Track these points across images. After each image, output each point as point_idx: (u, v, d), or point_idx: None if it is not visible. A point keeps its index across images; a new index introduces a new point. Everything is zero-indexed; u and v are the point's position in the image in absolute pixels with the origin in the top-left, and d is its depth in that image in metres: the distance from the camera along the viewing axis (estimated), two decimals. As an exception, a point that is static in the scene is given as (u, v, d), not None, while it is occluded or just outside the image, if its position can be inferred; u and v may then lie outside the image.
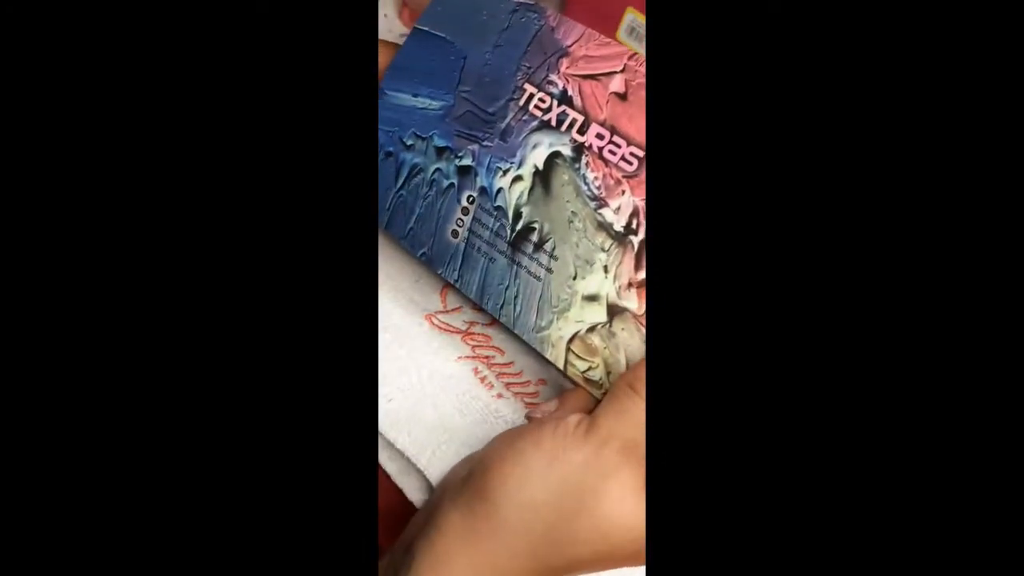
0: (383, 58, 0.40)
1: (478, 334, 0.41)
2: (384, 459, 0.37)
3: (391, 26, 0.49)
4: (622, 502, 0.28)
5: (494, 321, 0.41)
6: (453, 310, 0.41)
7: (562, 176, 0.35)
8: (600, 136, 0.34)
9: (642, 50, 0.44)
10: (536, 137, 0.35)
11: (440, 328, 0.40)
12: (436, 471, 0.36)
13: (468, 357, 0.40)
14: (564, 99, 0.35)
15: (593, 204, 0.34)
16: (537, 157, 0.35)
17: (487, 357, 0.40)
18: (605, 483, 0.29)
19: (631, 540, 0.29)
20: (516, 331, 0.35)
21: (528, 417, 0.36)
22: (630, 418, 0.30)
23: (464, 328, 0.41)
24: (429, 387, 0.39)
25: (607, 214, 0.33)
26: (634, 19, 0.43)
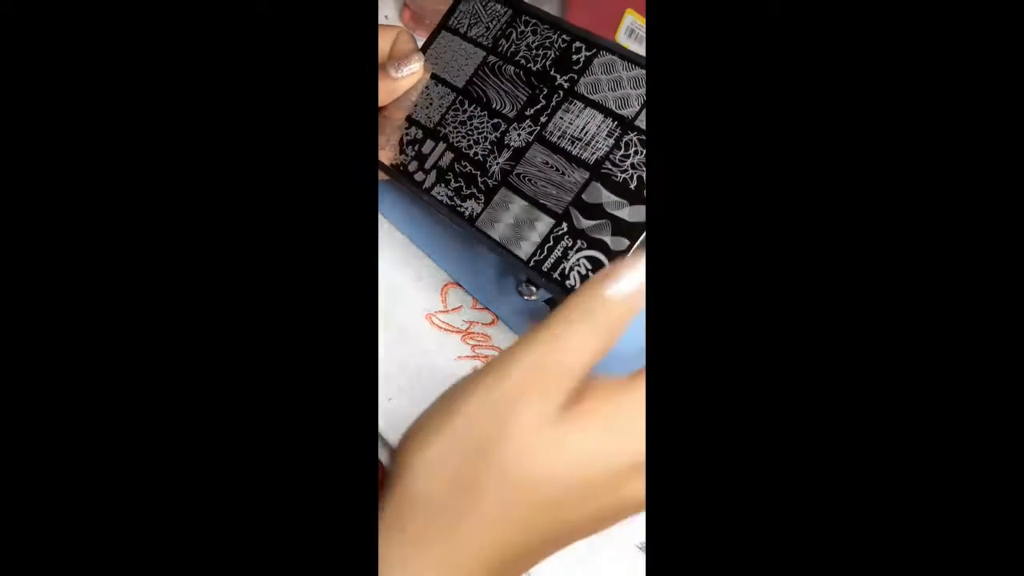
0: (383, 42, 0.40)
1: (478, 334, 0.41)
2: (385, 458, 0.38)
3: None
4: (522, 440, 0.23)
5: (494, 320, 0.41)
6: (453, 310, 0.41)
7: None
8: None
9: (642, 51, 0.44)
10: None
11: (440, 327, 0.40)
12: None
13: (468, 356, 0.40)
14: None
15: None
16: None
17: (486, 357, 0.40)
18: (503, 426, 0.24)
19: (543, 484, 0.23)
20: None
21: None
22: (539, 335, 0.25)
23: (464, 328, 0.41)
24: (429, 386, 0.39)
25: None
26: (633, 21, 0.43)
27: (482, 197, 0.37)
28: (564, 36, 0.38)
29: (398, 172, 0.40)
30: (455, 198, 0.38)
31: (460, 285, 0.42)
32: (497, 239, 0.36)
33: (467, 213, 0.37)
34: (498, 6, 0.40)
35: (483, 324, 0.41)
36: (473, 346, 0.40)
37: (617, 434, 0.24)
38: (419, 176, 0.39)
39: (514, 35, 0.39)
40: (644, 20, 0.43)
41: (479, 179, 0.38)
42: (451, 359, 0.40)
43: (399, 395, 0.38)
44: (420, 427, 0.26)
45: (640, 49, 0.44)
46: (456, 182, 0.38)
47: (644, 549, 0.36)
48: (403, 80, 0.40)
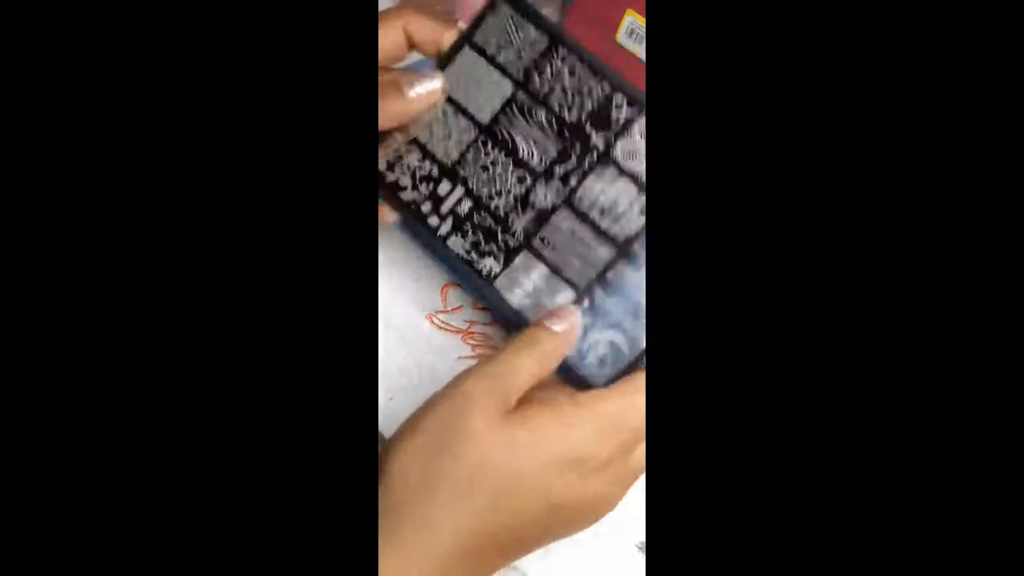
0: (393, 34, 0.36)
1: (478, 333, 0.41)
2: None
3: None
4: (475, 434, 0.27)
5: (494, 321, 0.41)
6: (454, 310, 0.41)
7: None
8: None
9: (642, 52, 0.44)
10: None
11: (440, 327, 0.40)
12: None
13: (468, 357, 0.40)
14: None
15: None
16: None
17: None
18: (459, 425, 0.27)
19: (498, 476, 0.26)
20: None
21: None
22: (493, 358, 0.29)
23: (464, 328, 0.41)
24: (429, 386, 0.39)
25: None
26: (634, 21, 0.43)
27: (501, 256, 0.35)
28: (605, 84, 0.35)
29: (409, 210, 0.36)
30: (472, 252, 0.36)
31: (460, 285, 0.42)
32: (515, 307, 0.35)
33: (485, 271, 0.35)
34: (532, 30, 0.36)
35: (483, 324, 0.41)
36: (473, 346, 0.40)
37: (554, 432, 0.27)
38: (433, 220, 0.36)
39: (549, 71, 0.36)
40: (644, 20, 0.43)
41: (499, 236, 0.35)
42: (451, 359, 0.40)
43: (399, 395, 0.39)
44: (398, 433, 0.29)
45: (640, 50, 0.44)
46: (474, 235, 0.36)
47: (644, 549, 0.36)
48: (417, 101, 0.35)
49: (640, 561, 0.36)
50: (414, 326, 0.40)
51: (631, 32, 0.44)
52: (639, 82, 0.40)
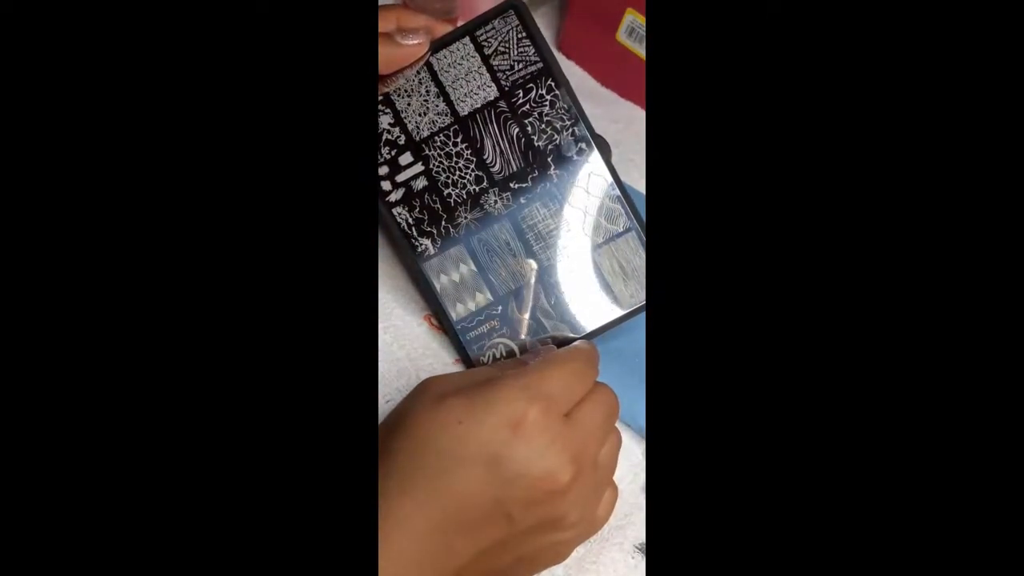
0: (383, 23, 0.37)
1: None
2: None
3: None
4: (420, 409, 0.29)
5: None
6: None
7: None
8: None
9: (642, 51, 0.44)
10: None
11: (439, 329, 0.40)
12: None
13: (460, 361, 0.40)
14: None
15: None
16: None
17: (485, 358, 0.40)
18: (411, 406, 0.29)
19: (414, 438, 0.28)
20: None
21: None
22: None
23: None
24: (427, 388, 0.39)
25: None
26: (634, 20, 0.43)
27: (439, 242, 0.38)
28: (576, 129, 0.38)
29: None
30: (414, 228, 0.38)
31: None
32: (437, 290, 0.38)
33: (419, 249, 0.38)
34: (531, 51, 0.37)
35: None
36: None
37: (483, 401, 0.28)
38: (386, 185, 0.38)
39: (533, 94, 0.37)
40: (644, 19, 0.43)
41: (443, 223, 0.38)
42: (449, 361, 0.40)
43: (398, 397, 0.38)
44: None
45: (640, 48, 0.44)
46: (420, 213, 0.38)
47: (644, 549, 0.36)
48: (406, 49, 0.36)
49: (640, 561, 0.36)
50: (412, 327, 0.40)
51: (631, 31, 0.44)
52: (639, 85, 0.41)
